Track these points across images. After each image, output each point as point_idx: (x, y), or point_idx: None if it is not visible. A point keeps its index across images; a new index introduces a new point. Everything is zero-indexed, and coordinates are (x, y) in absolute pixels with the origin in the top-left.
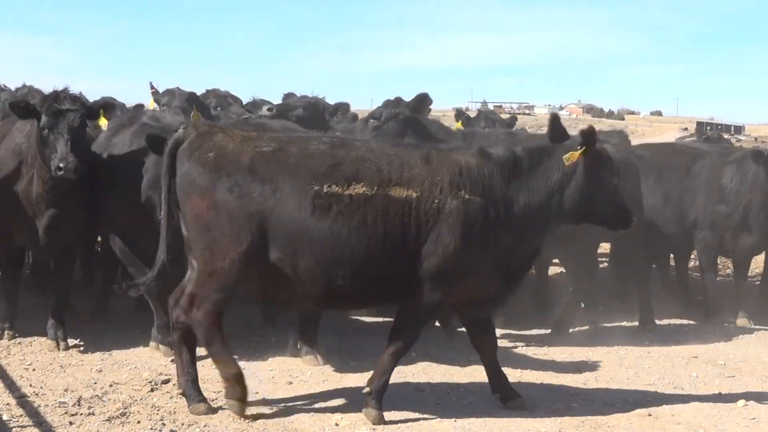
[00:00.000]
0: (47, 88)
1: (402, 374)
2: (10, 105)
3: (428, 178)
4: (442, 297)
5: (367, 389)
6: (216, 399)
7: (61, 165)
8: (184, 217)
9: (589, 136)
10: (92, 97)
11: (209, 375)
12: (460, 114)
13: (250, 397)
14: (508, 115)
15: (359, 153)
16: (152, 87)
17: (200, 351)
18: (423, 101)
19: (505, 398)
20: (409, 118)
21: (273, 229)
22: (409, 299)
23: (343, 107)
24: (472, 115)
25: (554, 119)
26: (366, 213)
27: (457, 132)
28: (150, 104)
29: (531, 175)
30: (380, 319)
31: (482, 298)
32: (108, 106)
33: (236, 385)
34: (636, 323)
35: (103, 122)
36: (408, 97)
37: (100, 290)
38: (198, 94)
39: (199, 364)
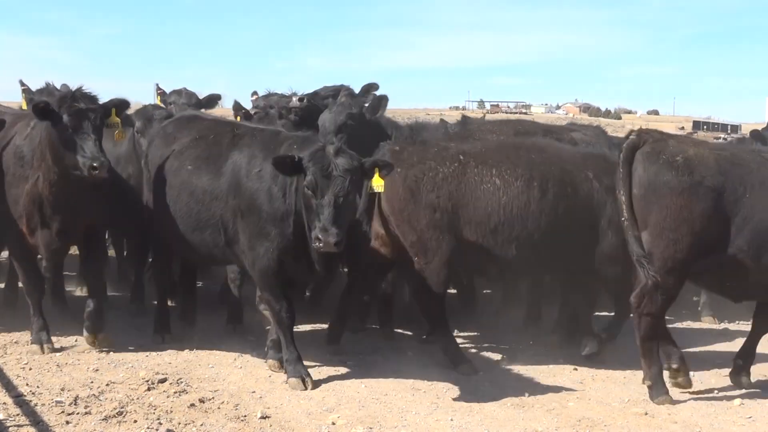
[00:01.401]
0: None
1: (399, 373)
2: (32, 107)
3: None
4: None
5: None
6: (214, 397)
7: (95, 165)
8: (646, 218)
9: None
10: None
11: (207, 374)
12: None
13: (249, 396)
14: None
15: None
16: (159, 89)
17: (199, 352)
18: (368, 90)
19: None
20: (367, 121)
21: (736, 225)
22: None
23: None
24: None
25: None
26: None
27: (404, 126)
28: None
29: None
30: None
31: None
32: (122, 105)
33: (658, 381)
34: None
35: (115, 121)
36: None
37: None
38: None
39: (194, 358)
